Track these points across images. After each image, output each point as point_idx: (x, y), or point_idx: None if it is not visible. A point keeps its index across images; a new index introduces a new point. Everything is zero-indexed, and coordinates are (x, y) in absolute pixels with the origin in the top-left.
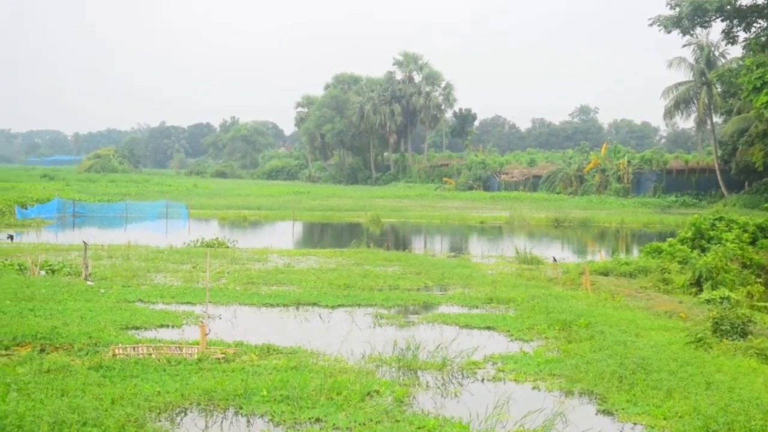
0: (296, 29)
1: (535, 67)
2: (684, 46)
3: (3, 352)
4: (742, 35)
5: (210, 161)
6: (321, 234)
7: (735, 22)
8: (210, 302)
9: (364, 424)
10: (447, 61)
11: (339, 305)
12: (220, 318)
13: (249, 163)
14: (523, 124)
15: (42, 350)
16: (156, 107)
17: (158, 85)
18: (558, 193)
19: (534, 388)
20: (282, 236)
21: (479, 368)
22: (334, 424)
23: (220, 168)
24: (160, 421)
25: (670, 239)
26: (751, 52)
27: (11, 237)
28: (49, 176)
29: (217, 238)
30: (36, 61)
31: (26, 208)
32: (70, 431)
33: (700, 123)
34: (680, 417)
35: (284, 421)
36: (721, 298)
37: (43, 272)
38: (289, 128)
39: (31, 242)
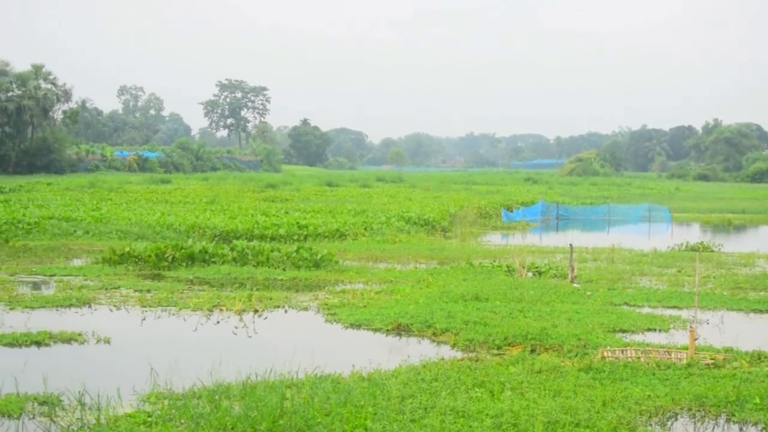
0: None
1: None
2: None
3: (495, 351)
4: None
5: (692, 164)
6: None
7: None
8: (698, 307)
9: None
10: None
11: None
12: (708, 323)
13: (732, 166)
14: None
15: (532, 350)
16: (637, 110)
17: (640, 89)
18: None
19: None
20: None
21: None
22: None
23: (702, 171)
24: (650, 425)
25: None
26: None
27: None
28: (532, 179)
29: (701, 242)
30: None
31: (512, 211)
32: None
33: None
34: None
35: None
36: None
37: (530, 274)
38: None
39: (517, 244)
